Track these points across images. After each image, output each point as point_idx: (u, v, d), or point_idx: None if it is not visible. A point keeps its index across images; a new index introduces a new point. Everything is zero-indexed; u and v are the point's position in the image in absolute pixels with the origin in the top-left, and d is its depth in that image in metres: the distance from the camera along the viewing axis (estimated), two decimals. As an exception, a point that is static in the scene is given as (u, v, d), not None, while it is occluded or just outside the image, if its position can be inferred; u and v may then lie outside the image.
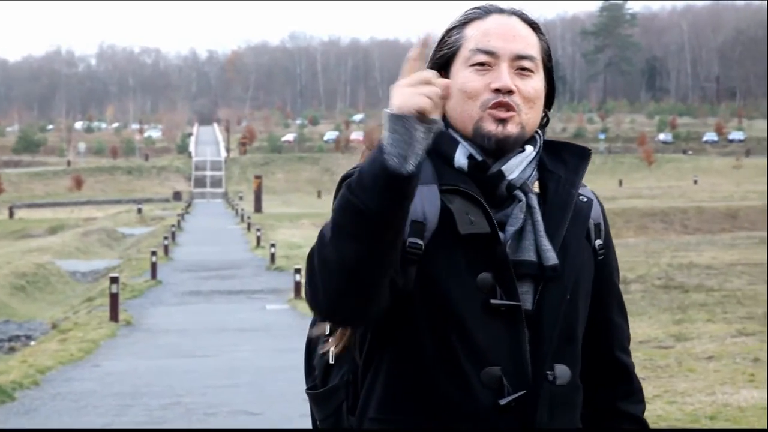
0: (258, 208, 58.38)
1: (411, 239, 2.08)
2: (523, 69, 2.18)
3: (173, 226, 43.74)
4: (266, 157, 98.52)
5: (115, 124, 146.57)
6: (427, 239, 2.10)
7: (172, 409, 9.89)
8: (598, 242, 2.28)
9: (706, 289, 19.65)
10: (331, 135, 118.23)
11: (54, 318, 22.29)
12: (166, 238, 35.17)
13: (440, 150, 2.17)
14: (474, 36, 2.20)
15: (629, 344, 2.39)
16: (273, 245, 29.11)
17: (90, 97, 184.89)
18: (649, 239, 36.81)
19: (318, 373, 2.33)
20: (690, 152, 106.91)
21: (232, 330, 16.27)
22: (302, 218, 50.80)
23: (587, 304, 2.25)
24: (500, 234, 2.12)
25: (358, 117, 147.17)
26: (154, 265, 25.53)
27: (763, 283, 20.65)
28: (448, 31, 2.25)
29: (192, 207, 69.03)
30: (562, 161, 2.26)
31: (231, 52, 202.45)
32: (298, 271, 20.30)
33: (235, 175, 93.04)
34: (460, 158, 2.17)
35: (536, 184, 2.22)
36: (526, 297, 2.15)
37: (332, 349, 2.29)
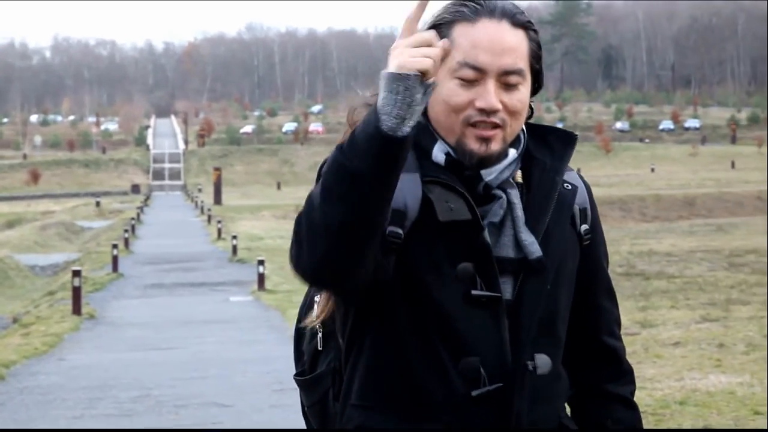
0: (218, 201, 58.16)
1: (391, 228, 2.05)
2: (510, 84, 2.12)
3: (133, 218, 43.45)
4: (225, 149, 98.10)
5: (71, 117, 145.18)
6: (407, 228, 2.07)
7: (141, 401, 9.85)
8: (584, 227, 2.24)
9: (668, 276, 19.87)
10: (289, 126, 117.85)
11: (14, 312, 22.09)
12: (126, 231, 34.95)
13: (419, 142, 2.14)
14: (461, 46, 2.10)
15: (619, 328, 2.36)
16: (234, 237, 29.01)
17: (45, 89, 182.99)
18: (609, 227, 37.09)
19: (306, 359, 2.33)
20: (647, 140, 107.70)
21: (197, 322, 16.21)
22: (262, 210, 50.69)
23: (571, 291, 2.22)
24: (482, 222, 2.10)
25: (316, 108, 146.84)
26: (115, 258, 25.37)
27: (722, 269, 20.90)
28: (435, 25, 2.15)
29: (151, 200, 68.63)
30: (548, 147, 2.22)
31: (187, 44, 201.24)
32: (261, 262, 20.25)
33: (194, 167, 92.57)
34: (438, 154, 2.14)
35: (519, 173, 2.19)
36: (506, 287, 2.12)
37: (319, 335, 2.29)
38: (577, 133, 2.29)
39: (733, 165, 74.88)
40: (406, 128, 1.88)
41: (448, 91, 2.11)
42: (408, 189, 2.08)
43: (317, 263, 1.95)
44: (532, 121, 2.26)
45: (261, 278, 20.16)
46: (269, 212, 49.25)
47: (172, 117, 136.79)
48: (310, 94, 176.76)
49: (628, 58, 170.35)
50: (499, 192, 2.14)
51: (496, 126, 2.10)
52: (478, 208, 2.10)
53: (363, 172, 1.87)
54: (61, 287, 23.28)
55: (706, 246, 26.22)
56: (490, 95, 2.09)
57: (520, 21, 2.15)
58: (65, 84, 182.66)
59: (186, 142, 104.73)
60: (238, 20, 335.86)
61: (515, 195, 2.15)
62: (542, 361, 2.13)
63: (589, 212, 2.26)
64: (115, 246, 26.12)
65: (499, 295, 2.09)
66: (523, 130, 2.20)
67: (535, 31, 2.18)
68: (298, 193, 66.63)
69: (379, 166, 1.88)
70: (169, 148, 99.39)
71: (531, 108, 2.23)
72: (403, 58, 1.88)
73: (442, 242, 2.08)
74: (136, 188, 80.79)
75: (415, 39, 1.90)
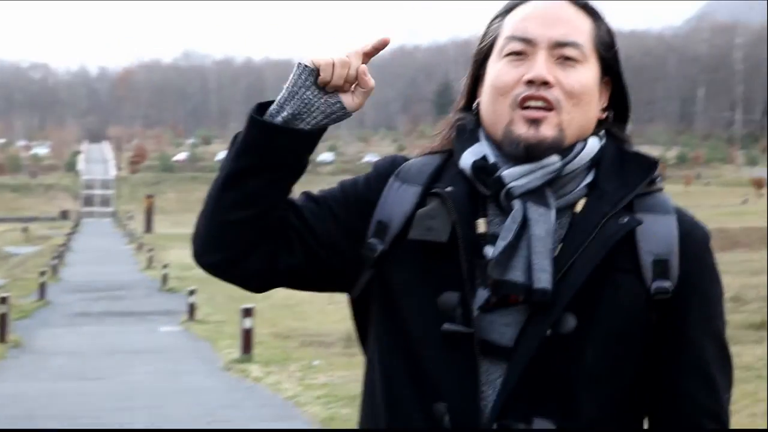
0: (149, 228, 57.67)
1: (371, 239, 1.88)
2: (567, 58, 1.85)
3: (61, 245, 42.92)
4: (157, 177, 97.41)
5: (1, 141, 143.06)
6: (387, 243, 1.86)
7: (67, 432, 9.71)
8: (657, 284, 1.79)
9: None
10: (223, 155, 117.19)
11: (-62, 339, 21.63)
12: (54, 257, 34.49)
13: (455, 147, 1.91)
14: (512, 23, 1.89)
15: (716, 422, 1.83)
16: (165, 266, 28.77)
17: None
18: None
19: None
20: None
21: (125, 352, 16.02)
22: (194, 238, 50.26)
23: (621, 359, 1.80)
24: (487, 247, 1.81)
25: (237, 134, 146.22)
26: (42, 286, 25.00)
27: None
28: (490, 22, 1.95)
29: (80, 226, 67.81)
30: (622, 174, 1.86)
31: (122, 69, 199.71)
32: (191, 292, 20.10)
33: (126, 194, 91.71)
34: (467, 158, 1.87)
35: (581, 202, 1.84)
36: (506, 329, 1.78)
37: None
38: (657, 160, 1.90)
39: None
40: (279, 118, 1.84)
41: (496, 72, 1.87)
42: (398, 201, 1.88)
43: (201, 239, 1.89)
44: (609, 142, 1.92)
45: (191, 308, 20.01)
46: (201, 241, 48.89)
47: (105, 143, 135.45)
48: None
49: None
50: (515, 202, 1.81)
51: (548, 107, 1.82)
52: (497, 222, 1.82)
53: (230, 155, 1.87)
54: (-14, 314, 22.85)
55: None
56: (538, 64, 1.83)
57: (582, 3, 1.91)
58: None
59: (118, 169, 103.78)
60: (174, 47, 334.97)
61: (539, 212, 1.80)
62: (541, 428, 1.75)
63: (674, 266, 1.81)
64: (42, 273, 25.76)
65: (472, 331, 1.77)
66: (585, 140, 1.87)
67: (602, 19, 1.91)
68: (231, 222, 66.34)
69: (243, 143, 1.84)
70: (100, 174, 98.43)
71: (609, 115, 1.92)
72: (309, 54, 1.86)
73: (425, 266, 1.82)
74: (65, 214, 79.79)
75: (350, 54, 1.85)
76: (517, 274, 1.77)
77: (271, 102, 1.86)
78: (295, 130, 1.84)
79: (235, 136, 1.87)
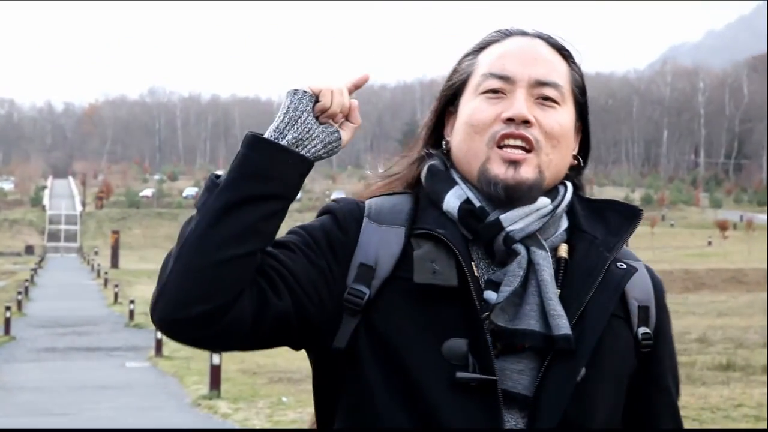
0: (115, 264, 57.28)
1: (354, 285, 1.72)
2: (546, 99, 1.80)
3: (26, 280, 42.52)
4: (123, 212, 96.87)
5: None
6: (375, 288, 1.72)
7: (34, 468, 9.62)
8: (642, 330, 1.81)
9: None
10: (190, 191, 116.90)
11: None
12: (19, 292, 34.18)
13: (431, 189, 1.82)
14: (487, 60, 1.84)
15: None
16: (132, 301, 28.60)
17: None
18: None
19: None
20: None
21: (92, 388, 15.91)
22: (160, 275, 50.00)
23: (616, 402, 1.79)
24: (488, 293, 1.72)
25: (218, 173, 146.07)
26: (7, 321, 24.77)
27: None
28: (461, 59, 1.90)
29: (45, 261, 67.22)
30: (603, 221, 1.85)
31: (88, 105, 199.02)
32: (159, 328, 20.01)
33: (91, 229, 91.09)
34: (451, 201, 1.79)
35: (564, 246, 1.81)
36: (521, 377, 1.69)
37: None
38: (641, 208, 1.90)
39: (627, 244, 76.24)
40: (284, 141, 1.72)
41: (471, 109, 1.81)
42: (382, 243, 1.75)
43: (170, 295, 1.65)
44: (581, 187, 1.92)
45: (158, 344, 19.91)
46: (167, 277, 48.61)
47: (70, 178, 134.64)
48: (212, 159, 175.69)
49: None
50: (519, 247, 1.75)
51: (527, 147, 1.76)
52: (495, 268, 1.76)
53: (220, 178, 1.71)
54: (-50, 349, 22.62)
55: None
56: (518, 102, 1.77)
57: (558, 45, 1.87)
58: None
59: (84, 204, 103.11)
60: (140, 83, 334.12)
61: (542, 256, 1.75)
62: None
63: (652, 314, 1.84)
64: (8, 308, 25.53)
65: (494, 378, 1.67)
66: (565, 184, 1.85)
67: (575, 63, 1.88)
68: (197, 259, 65.96)
69: (237, 168, 1.69)
70: (66, 210, 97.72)
71: (579, 161, 1.89)
72: (303, 81, 1.76)
73: (425, 310, 1.70)
74: (30, 249, 79.07)
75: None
76: (531, 323, 1.70)
77: (259, 134, 1.74)
78: (301, 155, 1.72)
79: (214, 175, 1.72)
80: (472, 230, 1.77)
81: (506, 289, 1.71)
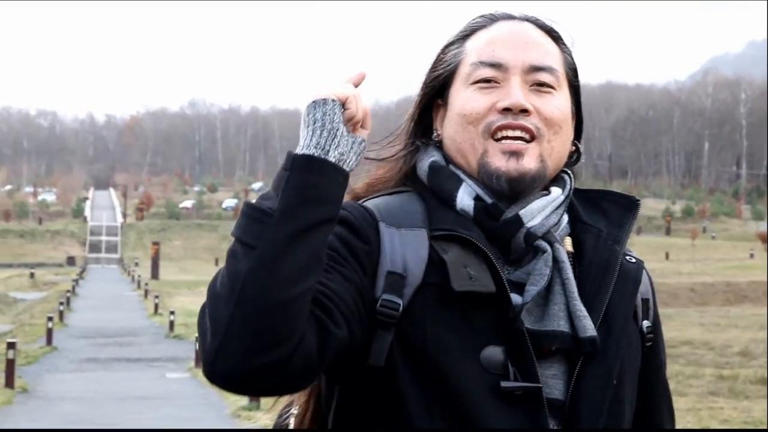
0: (155, 275, 57.62)
1: (385, 296, 1.61)
2: (542, 84, 1.72)
3: (68, 291, 42.89)
4: (164, 224, 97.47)
5: (8, 187, 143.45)
6: (407, 297, 1.62)
7: (76, 478, 9.70)
8: (645, 323, 1.79)
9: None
10: (229, 203, 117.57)
11: (-56, 384, 21.60)
12: (61, 303, 34.46)
13: (439, 188, 1.73)
14: (476, 48, 1.75)
15: None
16: (172, 312, 28.76)
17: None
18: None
19: None
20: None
21: (133, 398, 16.01)
22: (200, 286, 50.22)
23: (633, 401, 1.75)
24: (513, 296, 1.63)
25: (257, 185, 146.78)
26: (49, 331, 24.98)
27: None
28: (445, 48, 1.80)
29: (86, 272, 67.77)
30: (602, 212, 1.79)
31: (129, 117, 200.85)
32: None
33: (132, 240, 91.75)
34: (464, 199, 1.70)
35: (568, 240, 1.75)
36: (555, 382, 1.64)
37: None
38: (639, 199, 1.84)
39: (667, 256, 75.84)
40: (331, 158, 1.56)
41: (464, 99, 1.72)
42: (409, 248, 1.64)
43: (226, 349, 1.48)
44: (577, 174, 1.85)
45: (198, 355, 19.99)
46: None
47: (111, 189, 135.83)
48: (251, 171, 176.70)
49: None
50: (543, 244, 1.68)
51: (527, 136, 1.68)
52: (515, 268, 1.68)
53: (273, 207, 1.52)
54: (-8, 359, 22.87)
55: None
56: (515, 90, 1.69)
57: (547, 27, 1.79)
58: (3, 153, 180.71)
59: (124, 215, 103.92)
60: (181, 95, 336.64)
61: (563, 252, 1.69)
62: None
63: (651, 306, 1.81)
64: (50, 318, 25.75)
65: (539, 385, 1.60)
66: (568, 173, 1.78)
67: (566, 45, 1.80)
68: (236, 270, 66.13)
69: (293, 194, 1.51)
70: (106, 221, 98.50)
71: (578, 148, 1.81)
72: (322, 87, 1.63)
73: (460, 319, 1.61)
74: (71, 260, 79.79)
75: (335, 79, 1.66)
76: (561, 323, 1.64)
77: (313, 155, 1.59)
78: (346, 172, 1.61)
79: (259, 204, 1.54)
80: (486, 228, 1.68)
81: (533, 289, 1.65)
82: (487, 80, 1.71)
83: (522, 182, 1.67)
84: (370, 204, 1.72)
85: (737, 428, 7.63)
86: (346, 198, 1.67)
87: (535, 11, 1.81)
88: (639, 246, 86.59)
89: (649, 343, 1.78)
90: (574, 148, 1.79)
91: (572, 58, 1.78)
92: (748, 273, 52.12)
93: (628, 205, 1.80)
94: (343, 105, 1.61)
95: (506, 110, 1.68)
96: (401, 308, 1.61)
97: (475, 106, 1.70)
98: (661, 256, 76.75)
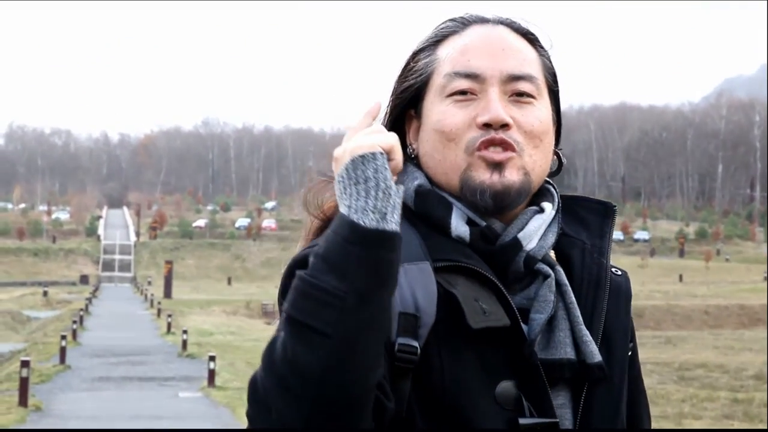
0: (168, 294, 57.71)
1: (401, 340, 1.48)
2: (521, 94, 1.62)
3: (81, 309, 42.99)
4: (177, 243, 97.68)
5: (22, 205, 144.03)
6: (423, 338, 1.49)
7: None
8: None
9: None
10: (242, 222, 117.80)
11: (-43, 402, 21.67)
12: (74, 322, 34.53)
13: (429, 214, 1.61)
14: (449, 56, 1.63)
15: None
16: (185, 332, 28.79)
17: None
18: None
19: None
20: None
21: (146, 417, 16.02)
22: (212, 305, 50.36)
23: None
24: (524, 326, 1.55)
25: (270, 205, 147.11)
26: (63, 350, 25.03)
27: (672, 382, 21.04)
28: (415, 55, 1.68)
29: (99, 291, 67.93)
30: (580, 221, 1.70)
31: (143, 136, 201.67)
32: (212, 358, 20.11)
33: (145, 259, 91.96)
34: (459, 225, 1.59)
35: (551, 254, 1.65)
36: (564, 412, 1.58)
37: None
38: (615, 204, 1.74)
39: (681, 278, 75.65)
40: (391, 224, 1.38)
41: (439, 114, 1.61)
42: (417, 284, 1.51)
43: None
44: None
45: (211, 374, 19.99)
46: (219, 308, 48.94)
47: (125, 208, 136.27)
48: (264, 190, 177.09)
49: (580, 168, 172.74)
50: (545, 269, 1.60)
51: (508, 147, 1.58)
52: (515, 293, 1.59)
53: (344, 290, 1.35)
54: (6, 378, 22.92)
55: (655, 358, 26.38)
56: (493, 104, 1.59)
57: (523, 29, 1.68)
58: (17, 171, 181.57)
59: (138, 234, 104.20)
60: (194, 114, 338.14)
61: (563, 275, 1.62)
62: None
63: (631, 314, 1.75)
64: (63, 337, 25.80)
65: (556, 420, 1.53)
66: (552, 184, 1.69)
67: (544, 48, 1.70)
68: (249, 290, 66.34)
69: (369, 275, 1.35)
70: (120, 240, 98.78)
71: (559, 157, 1.71)
72: (360, 139, 1.44)
73: (474, 355, 1.52)
74: (84, 279, 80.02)
75: (366, 126, 1.50)
76: (567, 350, 1.57)
77: (386, 230, 1.41)
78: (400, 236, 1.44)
79: (320, 280, 1.37)
80: (483, 252, 1.58)
81: (540, 317, 1.57)
82: (463, 92, 1.61)
83: (507, 196, 1.57)
84: None
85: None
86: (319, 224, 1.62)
87: (513, 12, 1.71)
88: (652, 268, 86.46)
89: (630, 353, 1.70)
90: (556, 158, 1.71)
91: (551, 62, 1.68)
92: (762, 295, 51.90)
93: (606, 212, 1.71)
94: (388, 155, 1.45)
95: (486, 125, 1.58)
96: (419, 351, 1.48)
97: (453, 122, 1.59)
98: (674, 278, 76.57)
